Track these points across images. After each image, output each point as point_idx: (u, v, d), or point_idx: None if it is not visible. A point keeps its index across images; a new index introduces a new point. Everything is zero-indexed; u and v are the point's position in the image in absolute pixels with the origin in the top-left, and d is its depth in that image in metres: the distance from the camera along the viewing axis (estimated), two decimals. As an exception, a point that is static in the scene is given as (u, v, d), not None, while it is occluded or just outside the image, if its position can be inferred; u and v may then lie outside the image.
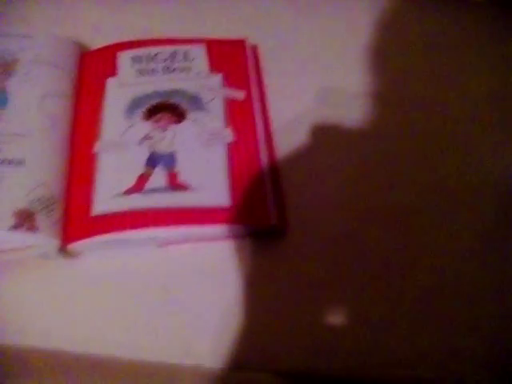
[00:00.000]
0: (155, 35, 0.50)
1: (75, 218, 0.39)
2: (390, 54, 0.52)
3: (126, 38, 0.50)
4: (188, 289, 0.39)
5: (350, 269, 0.39)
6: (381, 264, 0.40)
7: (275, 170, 0.43)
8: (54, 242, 0.38)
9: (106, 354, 0.37)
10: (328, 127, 0.47)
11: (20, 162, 0.39)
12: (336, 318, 0.38)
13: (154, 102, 0.45)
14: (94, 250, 0.40)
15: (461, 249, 0.40)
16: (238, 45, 0.49)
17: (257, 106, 0.45)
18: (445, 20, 0.55)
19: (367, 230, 0.41)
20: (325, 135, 0.46)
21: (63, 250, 0.39)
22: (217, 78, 0.46)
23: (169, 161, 0.41)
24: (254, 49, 0.50)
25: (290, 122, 0.47)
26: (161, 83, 0.46)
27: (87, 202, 0.40)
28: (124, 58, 0.48)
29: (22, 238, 0.37)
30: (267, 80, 0.49)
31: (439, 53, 0.52)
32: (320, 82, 0.49)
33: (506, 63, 0.52)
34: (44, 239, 0.38)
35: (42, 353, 0.37)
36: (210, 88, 0.46)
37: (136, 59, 0.48)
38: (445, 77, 0.50)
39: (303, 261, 0.40)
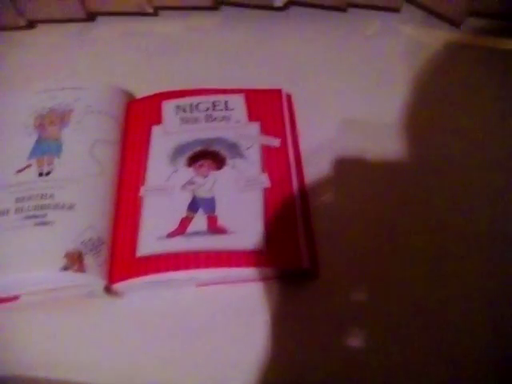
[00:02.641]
0: (194, 85, 0.52)
1: (121, 259, 0.42)
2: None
3: (166, 87, 0.52)
4: (223, 328, 0.40)
5: (377, 312, 0.41)
6: (409, 307, 0.41)
7: (308, 215, 0.45)
8: (100, 282, 0.40)
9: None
10: (354, 165, 0.49)
11: (71, 207, 0.42)
12: (362, 360, 0.39)
13: (196, 149, 0.47)
14: (137, 290, 0.42)
15: (487, 292, 0.42)
16: (275, 94, 0.51)
17: (291, 152, 0.47)
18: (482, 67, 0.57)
19: (395, 270, 0.43)
20: (351, 176, 0.48)
21: (108, 289, 0.41)
22: (255, 126, 0.49)
23: (209, 205, 0.43)
24: (289, 97, 0.53)
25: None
26: (202, 131, 0.48)
27: (132, 243, 0.42)
28: (168, 107, 0.50)
29: (71, 277, 0.39)
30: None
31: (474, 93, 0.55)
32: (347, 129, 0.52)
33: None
34: (91, 279, 0.40)
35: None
36: (248, 136, 0.48)
37: (180, 108, 0.50)
38: (479, 118, 0.52)
39: (332, 302, 0.41)
